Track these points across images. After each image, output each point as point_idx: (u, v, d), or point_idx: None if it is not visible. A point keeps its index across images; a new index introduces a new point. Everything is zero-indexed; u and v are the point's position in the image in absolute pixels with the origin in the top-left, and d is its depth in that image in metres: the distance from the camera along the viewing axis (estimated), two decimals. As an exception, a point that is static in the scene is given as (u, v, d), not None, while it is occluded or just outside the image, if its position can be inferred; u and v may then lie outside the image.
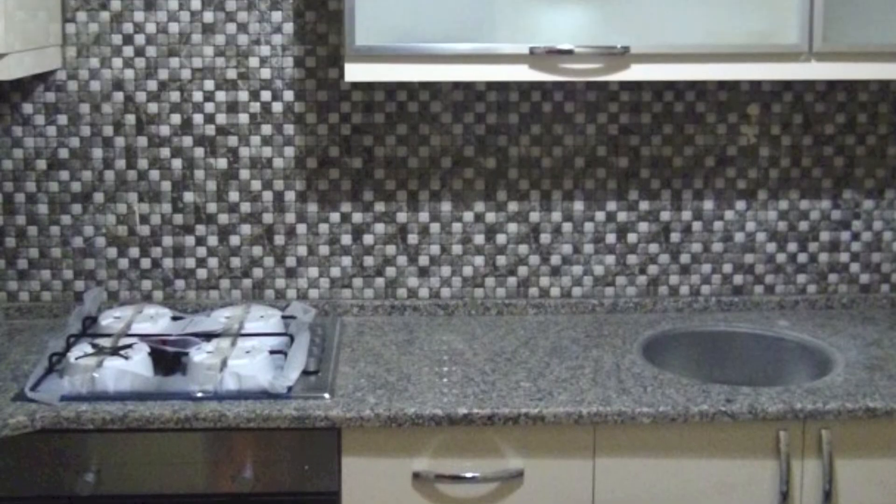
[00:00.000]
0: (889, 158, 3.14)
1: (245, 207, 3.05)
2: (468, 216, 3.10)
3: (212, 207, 3.05)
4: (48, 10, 2.81)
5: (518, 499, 2.51)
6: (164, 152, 3.01)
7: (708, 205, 3.13)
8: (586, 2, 2.63)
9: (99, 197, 3.03)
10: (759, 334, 3.01)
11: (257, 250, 3.08)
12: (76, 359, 2.54)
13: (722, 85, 3.06)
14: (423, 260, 3.12)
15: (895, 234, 3.19)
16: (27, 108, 2.97)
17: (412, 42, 2.60)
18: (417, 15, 2.61)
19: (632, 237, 3.14)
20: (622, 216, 3.12)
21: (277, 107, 3.01)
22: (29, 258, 3.05)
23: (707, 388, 2.56)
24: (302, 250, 3.09)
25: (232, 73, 2.98)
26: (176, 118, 3.00)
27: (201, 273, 3.08)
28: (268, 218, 3.06)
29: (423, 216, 3.09)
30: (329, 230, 3.08)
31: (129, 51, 2.96)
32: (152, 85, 2.98)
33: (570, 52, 2.59)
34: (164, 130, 3.00)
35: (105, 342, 2.64)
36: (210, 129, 3.01)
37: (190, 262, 3.08)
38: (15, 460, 2.43)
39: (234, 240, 3.07)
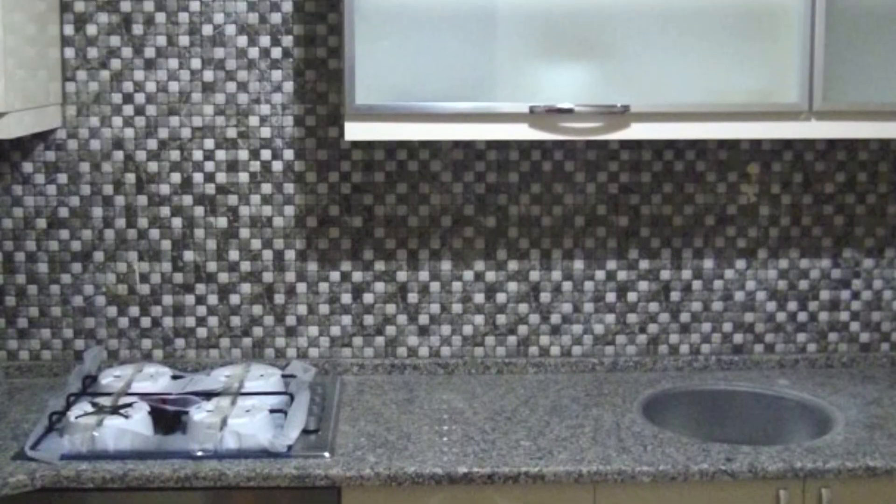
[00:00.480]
0: (889, 217, 3.13)
1: (245, 266, 3.04)
2: (468, 275, 3.08)
3: (212, 266, 3.04)
4: (48, 69, 2.81)
5: (519, 558, 2.48)
6: (164, 211, 3.00)
7: (708, 263, 3.12)
8: (586, 61, 2.64)
9: (99, 256, 3.02)
10: (759, 393, 3.00)
11: (257, 309, 3.07)
12: (76, 417, 2.52)
13: (722, 144, 3.06)
14: (423, 319, 3.10)
15: (895, 293, 3.17)
16: (27, 166, 2.97)
17: (412, 101, 2.60)
18: (417, 74, 2.61)
19: (632, 296, 3.13)
20: (622, 275, 3.11)
21: (277, 166, 3.00)
22: (29, 317, 3.04)
23: (707, 447, 2.55)
24: (302, 309, 3.07)
25: (232, 132, 2.98)
26: (176, 177, 2.99)
27: (201, 332, 3.07)
28: (268, 277, 3.05)
29: (423, 275, 3.08)
30: (329, 289, 3.07)
31: (129, 109, 2.96)
32: (152, 144, 2.98)
33: (570, 110, 2.59)
34: (164, 189, 3.00)
35: (105, 401, 2.63)
36: (210, 188, 3.00)
37: (190, 321, 3.06)
38: (15, 519, 2.41)
39: (234, 299, 3.06)
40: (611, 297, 3.12)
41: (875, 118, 2.69)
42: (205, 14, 2.93)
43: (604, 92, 2.64)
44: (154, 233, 3.02)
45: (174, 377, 2.86)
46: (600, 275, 3.11)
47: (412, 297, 3.09)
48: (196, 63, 2.95)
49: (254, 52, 2.95)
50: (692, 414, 2.98)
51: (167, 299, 3.05)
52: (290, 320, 3.08)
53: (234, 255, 3.04)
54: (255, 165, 3.00)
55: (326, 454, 2.48)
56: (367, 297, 3.08)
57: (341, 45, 2.65)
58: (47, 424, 2.55)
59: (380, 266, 3.07)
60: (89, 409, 2.58)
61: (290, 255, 3.05)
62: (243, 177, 3.01)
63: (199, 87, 2.96)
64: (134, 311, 3.05)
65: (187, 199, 3.01)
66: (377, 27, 2.58)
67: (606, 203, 3.07)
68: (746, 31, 2.64)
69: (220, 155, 2.99)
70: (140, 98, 2.96)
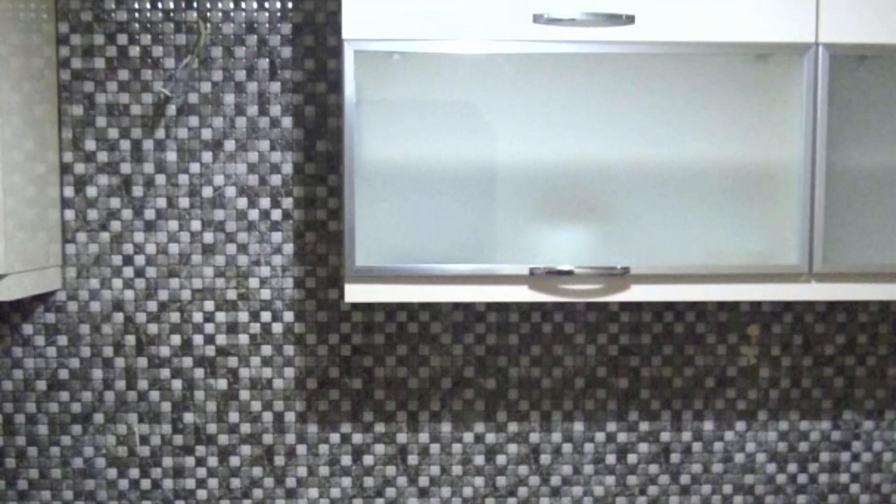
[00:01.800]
0: (889, 379, 3.04)
1: (245, 428, 2.94)
2: (468, 437, 2.98)
3: (212, 428, 2.94)
4: (48, 231, 2.76)
5: None
6: (164, 373, 2.92)
7: (708, 425, 3.02)
8: (586, 223, 2.58)
9: (99, 418, 2.93)
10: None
11: (257, 471, 2.96)
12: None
13: (722, 305, 2.98)
14: (423, 481, 2.99)
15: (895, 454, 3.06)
16: (27, 328, 2.89)
17: (412, 263, 2.52)
18: (417, 236, 2.55)
19: (632, 458, 3.01)
20: (622, 437, 3.00)
21: (277, 327, 2.92)
22: (29, 479, 2.93)
23: None
24: (302, 471, 2.96)
25: (232, 294, 2.91)
26: (176, 339, 2.91)
27: (201, 494, 2.95)
28: (268, 439, 2.95)
29: (423, 437, 2.97)
30: (329, 451, 2.96)
31: (129, 272, 2.89)
32: (152, 306, 2.90)
33: (570, 272, 2.51)
34: (164, 351, 2.92)
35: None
36: (210, 350, 2.92)
37: (190, 483, 2.95)
38: None
39: (234, 460, 2.95)
40: (611, 458, 3.01)
41: (875, 280, 2.60)
42: (205, 176, 2.87)
43: (604, 254, 2.58)
44: (154, 395, 2.93)
45: (172, 541, 2.73)
46: (600, 437, 3.00)
47: (412, 459, 2.98)
48: (196, 225, 2.88)
49: (254, 214, 2.89)
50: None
51: (167, 461, 2.94)
52: (291, 482, 2.96)
53: (234, 416, 2.94)
54: (255, 327, 2.92)
55: None
56: (367, 459, 2.97)
57: (341, 208, 2.62)
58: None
59: (380, 428, 2.96)
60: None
61: (290, 416, 2.95)
62: (243, 339, 2.92)
63: (199, 249, 2.89)
64: (134, 472, 2.94)
65: (187, 361, 2.92)
66: (377, 189, 2.53)
67: (606, 365, 2.98)
68: (746, 194, 2.59)
69: (221, 317, 2.91)
70: (140, 260, 2.89)
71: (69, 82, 2.82)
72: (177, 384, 2.93)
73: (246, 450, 2.95)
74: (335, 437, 2.96)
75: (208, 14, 2.82)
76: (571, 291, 2.55)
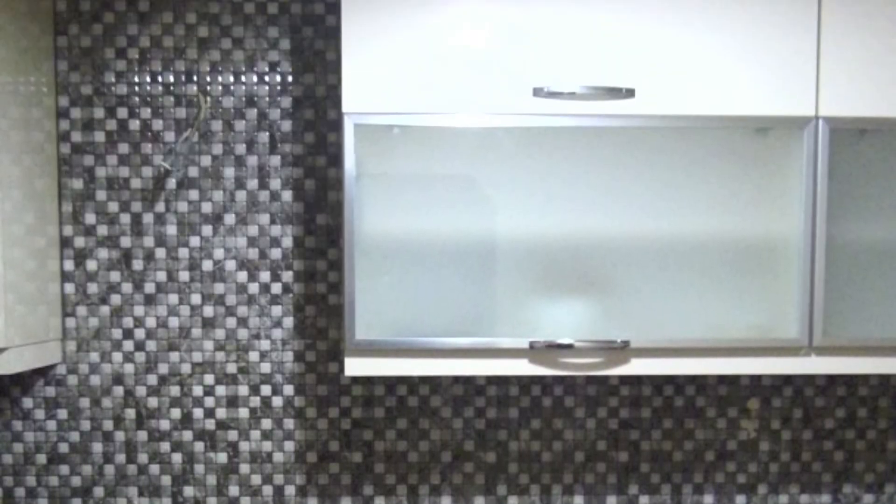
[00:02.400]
0: (889, 453, 2.99)
1: (245, 502, 2.90)
2: (468, 511, 2.93)
3: (212, 502, 2.89)
4: (48, 305, 2.74)
5: None
6: (164, 447, 2.87)
7: (708, 499, 2.97)
8: (586, 296, 2.55)
9: (99, 491, 2.88)
10: None
11: (256, 545, 2.92)
12: None
13: (722, 379, 2.94)
14: (423, 555, 2.94)
15: (896, 528, 3.02)
16: (27, 402, 2.86)
17: (412, 336, 2.49)
18: (417, 309, 2.52)
19: (633, 532, 2.96)
20: (623, 511, 2.95)
21: (277, 401, 2.88)
22: (27, 552, 2.89)
23: None
24: (301, 545, 2.92)
25: (232, 368, 2.87)
26: (176, 412, 2.87)
27: (200, 568, 2.91)
28: (267, 513, 2.91)
29: (423, 511, 2.93)
30: (328, 525, 2.92)
31: (129, 345, 2.85)
32: (152, 379, 2.86)
33: (570, 346, 2.47)
34: (164, 425, 2.87)
35: None
36: (210, 424, 2.88)
37: (189, 557, 2.91)
38: None
39: (233, 535, 2.91)
40: (612, 533, 2.96)
41: (875, 353, 2.56)
42: (205, 250, 2.84)
43: (604, 327, 2.55)
44: (154, 468, 2.88)
45: None
46: (601, 511, 2.95)
47: (412, 534, 2.93)
48: (196, 298, 2.85)
49: (254, 288, 2.85)
50: None
51: (166, 535, 2.90)
52: (289, 556, 2.92)
53: (234, 490, 2.89)
54: (255, 401, 2.88)
55: None
56: (367, 534, 2.92)
57: (341, 281, 2.61)
58: None
59: (380, 502, 2.92)
60: None
61: (290, 490, 2.90)
62: (243, 412, 2.88)
63: (199, 323, 2.86)
64: (133, 547, 2.90)
65: (187, 435, 2.88)
66: (377, 263, 2.50)
67: (606, 438, 2.93)
68: (746, 267, 2.56)
69: (220, 390, 2.87)
70: (140, 333, 2.85)
71: (69, 156, 2.80)
72: (177, 458, 2.88)
73: (245, 524, 2.92)
74: (335, 512, 2.92)
75: (208, 88, 2.79)
76: (571, 365, 2.52)
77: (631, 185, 2.53)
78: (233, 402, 2.87)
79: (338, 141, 2.81)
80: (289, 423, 2.89)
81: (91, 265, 2.83)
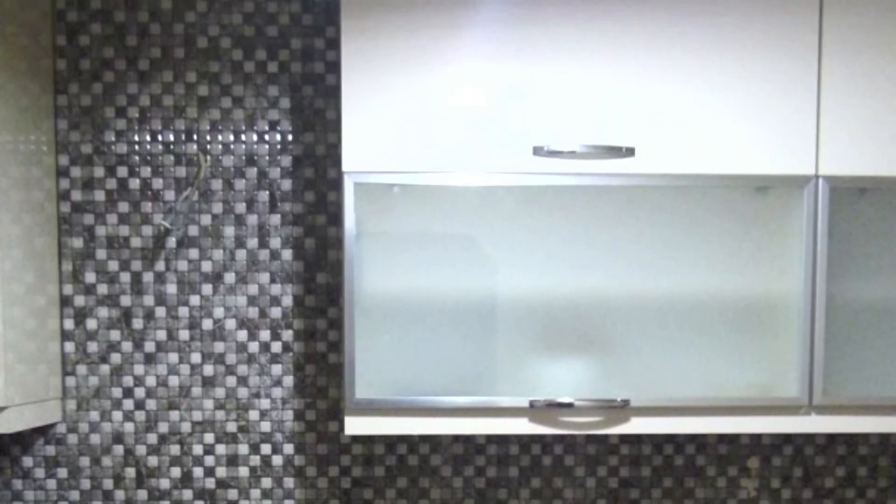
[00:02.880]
0: (890, 511, 2.98)
1: (244, 561, 2.88)
2: (468, 571, 2.91)
3: (210, 561, 2.88)
4: (48, 364, 2.72)
5: None
6: (164, 506, 2.86)
7: (709, 558, 2.94)
8: (586, 355, 2.53)
9: (97, 550, 2.87)
10: None
11: None
12: None
13: (722, 438, 2.91)
14: None
15: (896, 586, 2.99)
16: (27, 461, 2.83)
17: (412, 395, 2.46)
18: (417, 368, 2.50)
19: (634, 592, 2.94)
20: (623, 570, 2.93)
21: (277, 460, 2.85)
22: None
23: None
24: None
25: (232, 427, 2.84)
26: (176, 471, 2.84)
27: None
28: (266, 573, 2.89)
29: (423, 571, 2.91)
30: (327, 584, 2.89)
31: (129, 404, 2.83)
32: (152, 438, 2.83)
33: (570, 405, 2.45)
34: (164, 484, 2.84)
35: None
36: (210, 483, 2.85)
37: None
38: None
39: None
40: (612, 593, 2.93)
41: (875, 412, 2.53)
42: (205, 309, 2.82)
43: (604, 386, 2.53)
44: None
45: None
46: (601, 570, 2.93)
47: None
48: (196, 357, 2.83)
49: (254, 347, 2.83)
50: None
51: None
52: None
53: None
54: (255, 460, 2.85)
55: None
56: None
57: (341, 340, 2.57)
58: None
59: (379, 562, 2.89)
60: None
61: (288, 549, 2.88)
62: (243, 471, 2.85)
63: (199, 382, 2.83)
64: None
65: (187, 494, 2.85)
66: (377, 322, 2.48)
67: (606, 497, 2.91)
68: (746, 326, 2.54)
69: (220, 449, 2.84)
70: (140, 392, 2.83)
71: (69, 214, 2.78)
72: (176, 517, 2.87)
73: (244, 583, 2.89)
74: (334, 569, 2.90)
75: (208, 146, 2.77)
76: (572, 424, 2.50)
77: (631, 243, 2.51)
78: (233, 460, 2.84)
79: (338, 200, 2.80)
80: (289, 482, 2.86)
81: (91, 324, 2.81)
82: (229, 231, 2.79)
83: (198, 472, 2.84)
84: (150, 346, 2.82)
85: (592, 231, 2.51)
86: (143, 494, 2.84)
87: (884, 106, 2.41)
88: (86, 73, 2.75)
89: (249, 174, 2.79)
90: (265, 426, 2.84)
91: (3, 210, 2.46)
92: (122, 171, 2.77)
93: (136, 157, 2.77)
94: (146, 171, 2.77)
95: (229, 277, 2.80)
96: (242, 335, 2.82)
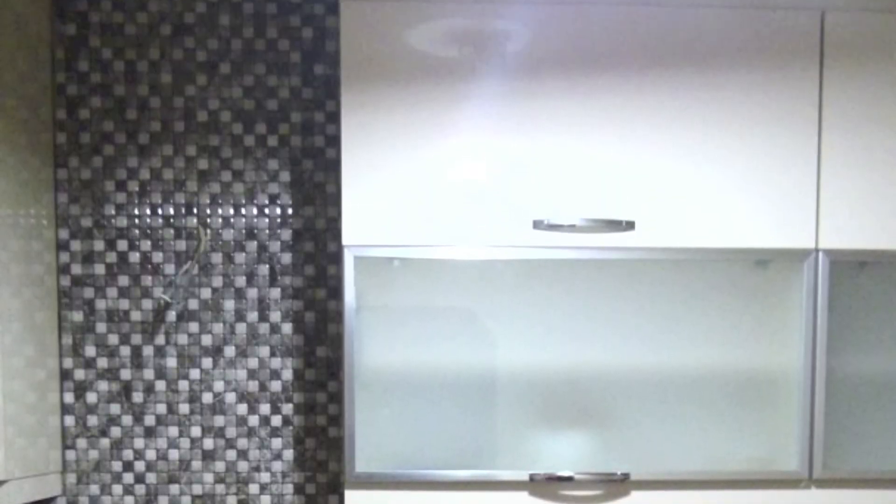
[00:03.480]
0: (889, 585, 2.91)
1: None
2: None
3: None
4: (48, 437, 2.70)
5: None
6: (163, 583, 2.84)
7: None
8: (586, 428, 2.52)
9: None
10: None
11: None
12: None
13: None
14: None
15: None
16: None
17: (412, 469, 2.45)
18: (417, 442, 2.50)
19: None
20: None
21: None
22: None
23: None
24: None
25: (232, 501, 2.81)
26: None
27: None
28: None
29: None
30: None
31: (129, 478, 2.80)
32: None
33: (570, 478, 2.43)
34: None
35: None
36: None
37: None
38: None
39: None
40: None
41: (876, 486, 2.51)
42: (205, 382, 2.80)
43: (604, 460, 2.52)
44: None
45: None
46: None
47: None
48: (196, 431, 2.80)
49: (254, 420, 2.80)
50: None
51: None
52: None
53: None
54: None
55: None
56: None
57: (341, 413, 2.56)
58: None
59: None
60: None
61: None
62: None
63: (199, 455, 2.81)
64: None
65: None
66: (377, 396, 2.47)
67: None
68: (746, 399, 2.53)
69: None
70: (140, 466, 2.80)
71: (69, 288, 2.77)
72: (175, 592, 2.86)
73: None
74: None
75: (208, 220, 2.75)
76: (572, 497, 2.47)
77: (631, 317, 2.51)
78: (232, 534, 2.86)
79: (338, 273, 2.78)
80: (288, 557, 2.86)
81: (91, 397, 2.79)
82: (229, 304, 2.78)
83: (198, 548, 2.86)
84: (150, 420, 2.80)
85: (592, 304, 2.50)
86: (141, 570, 2.85)
87: (884, 179, 2.41)
88: (86, 147, 2.73)
89: (249, 248, 2.77)
90: (265, 500, 2.81)
91: (4, 284, 2.45)
92: (122, 245, 2.76)
93: (136, 231, 2.76)
94: (146, 245, 2.76)
95: (229, 351, 2.79)
96: (242, 409, 2.80)
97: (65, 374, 2.78)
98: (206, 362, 2.78)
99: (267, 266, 2.77)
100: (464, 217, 2.37)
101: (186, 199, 2.75)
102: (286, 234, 2.77)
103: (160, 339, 2.77)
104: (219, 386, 2.79)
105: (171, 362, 2.77)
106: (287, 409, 2.80)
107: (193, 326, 2.77)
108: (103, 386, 2.78)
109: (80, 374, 2.77)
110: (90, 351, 2.77)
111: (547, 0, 2.31)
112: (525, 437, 2.51)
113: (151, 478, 2.79)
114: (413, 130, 2.35)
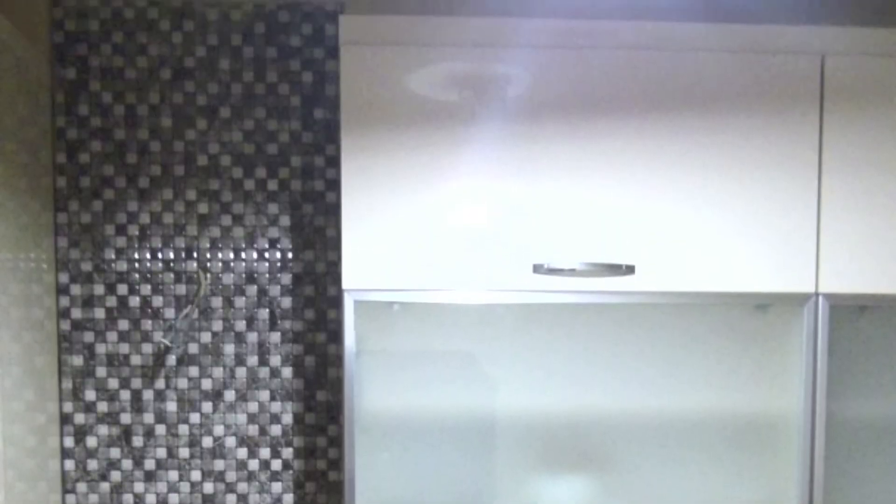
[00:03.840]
0: None
1: None
2: None
3: None
4: (48, 481, 2.68)
5: None
6: None
7: None
8: (586, 472, 2.51)
9: None
10: None
11: None
12: None
13: None
14: None
15: None
16: None
17: None
18: (417, 485, 2.48)
19: None
20: None
21: None
22: None
23: None
24: None
25: None
26: None
27: None
28: None
29: None
30: None
31: None
32: None
33: None
34: None
35: None
36: None
37: None
38: None
39: None
40: None
41: None
42: (205, 426, 2.78)
43: (604, 503, 2.52)
44: None
45: None
46: None
47: None
48: (196, 475, 2.79)
49: (254, 465, 2.79)
50: None
51: None
52: None
53: None
54: None
55: None
56: None
57: (341, 457, 2.55)
58: None
59: None
60: None
61: None
62: None
63: (199, 500, 2.79)
64: None
65: None
66: (377, 439, 2.47)
67: None
68: (746, 443, 2.53)
69: None
70: None
71: (69, 332, 2.75)
72: None
73: None
74: None
75: (208, 264, 2.74)
76: None
77: (631, 361, 2.50)
78: (231, 576, 2.84)
79: (338, 317, 2.77)
80: None
81: (91, 441, 2.77)
82: (229, 349, 2.76)
83: (196, 587, 2.84)
84: (150, 464, 2.78)
85: (592, 348, 2.49)
86: None
87: (884, 224, 2.40)
88: (86, 191, 2.72)
89: (249, 292, 2.76)
90: (265, 543, 2.83)
91: (4, 328, 2.43)
92: (122, 289, 2.75)
93: (136, 275, 2.75)
94: (146, 289, 2.75)
95: (229, 395, 2.77)
96: (242, 453, 2.78)
97: (65, 419, 2.76)
98: (207, 406, 2.76)
99: (267, 310, 2.76)
100: (464, 261, 2.35)
101: (186, 244, 2.74)
102: (286, 279, 2.76)
103: (160, 384, 2.75)
104: (219, 430, 2.78)
105: (172, 406, 2.76)
106: (287, 453, 2.78)
107: (193, 370, 2.75)
108: (103, 430, 2.76)
109: (80, 419, 2.76)
110: (90, 395, 2.75)
111: (547, 44, 2.31)
112: (525, 481, 2.49)
113: (151, 522, 2.81)
114: (413, 174, 2.34)
